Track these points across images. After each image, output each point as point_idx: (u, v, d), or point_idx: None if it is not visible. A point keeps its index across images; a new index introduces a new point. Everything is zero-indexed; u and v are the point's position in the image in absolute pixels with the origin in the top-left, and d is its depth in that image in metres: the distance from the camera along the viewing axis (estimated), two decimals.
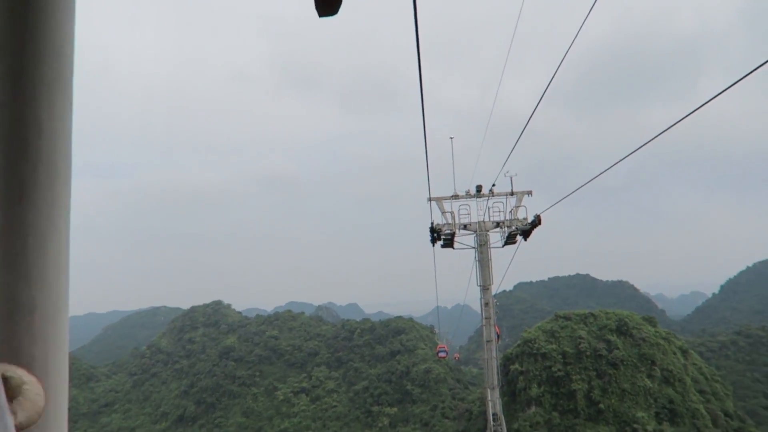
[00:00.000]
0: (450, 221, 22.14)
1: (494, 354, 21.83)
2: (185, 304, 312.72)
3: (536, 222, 21.13)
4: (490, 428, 22.21)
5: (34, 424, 1.26)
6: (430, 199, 22.25)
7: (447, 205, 22.61)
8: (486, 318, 21.79)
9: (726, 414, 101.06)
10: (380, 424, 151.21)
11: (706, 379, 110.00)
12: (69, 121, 1.42)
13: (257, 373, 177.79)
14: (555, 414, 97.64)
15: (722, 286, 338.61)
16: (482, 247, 21.96)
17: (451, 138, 23.53)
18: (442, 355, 55.61)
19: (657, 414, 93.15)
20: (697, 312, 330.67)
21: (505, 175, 22.55)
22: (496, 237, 23.07)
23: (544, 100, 11.30)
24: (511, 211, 22.43)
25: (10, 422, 1.15)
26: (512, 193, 22.68)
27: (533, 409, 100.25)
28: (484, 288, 21.93)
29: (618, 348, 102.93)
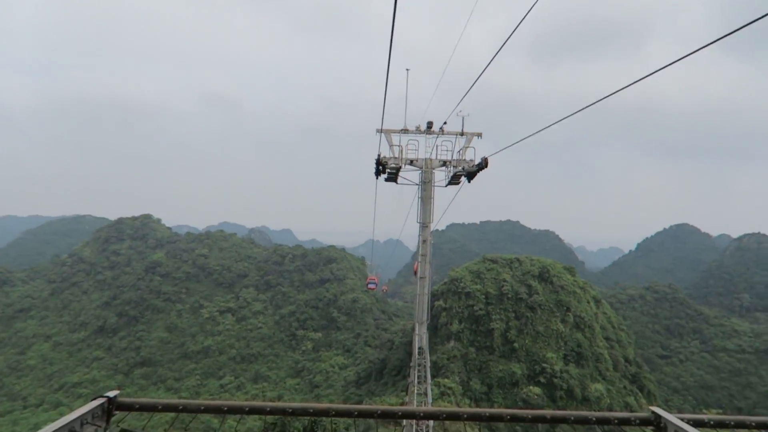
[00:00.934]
0: (397, 155, 21.37)
1: (426, 290, 21.81)
2: (112, 215, 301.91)
3: (483, 165, 20.71)
4: (414, 360, 22.50)
5: None
6: (380, 130, 21.34)
7: (396, 139, 21.77)
8: (422, 255, 21.58)
9: (626, 360, 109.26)
10: (304, 348, 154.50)
11: (613, 327, 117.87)
12: None
13: (183, 290, 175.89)
14: (472, 349, 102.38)
15: (638, 245, 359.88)
16: (426, 185, 21.43)
17: (407, 69, 22.42)
18: (371, 286, 56.15)
19: (565, 356, 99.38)
20: (613, 266, 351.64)
21: (457, 114, 21.82)
22: (440, 176, 22.58)
23: (501, 45, 10.53)
24: (459, 152, 21.87)
25: None
26: (462, 133, 22.05)
27: (452, 343, 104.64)
28: (424, 225, 21.59)
29: (538, 293, 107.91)
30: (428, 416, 4.11)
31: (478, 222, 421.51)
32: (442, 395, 78.95)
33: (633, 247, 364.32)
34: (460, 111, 20.99)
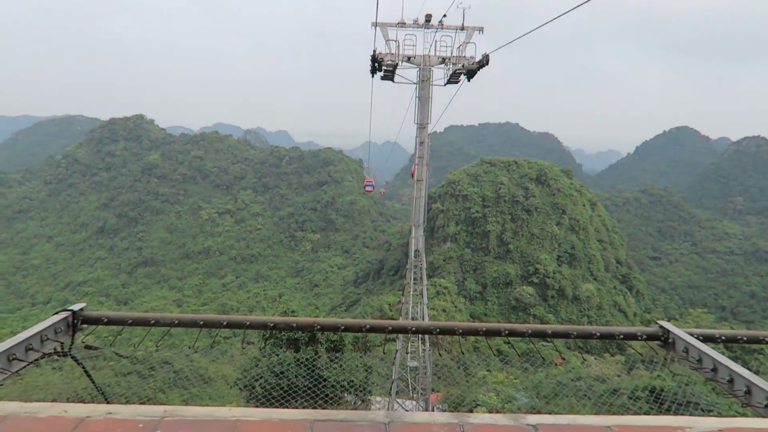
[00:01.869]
0: (393, 51, 20.16)
1: (423, 193, 21.48)
2: (104, 116, 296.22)
3: (484, 62, 19.61)
4: (410, 262, 22.63)
5: None
6: (375, 24, 19.99)
7: (392, 33, 20.43)
8: (419, 157, 21.02)
9: (618, 261, 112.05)
10: (302, 249, 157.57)
11: (607, 230, 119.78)
12: None
13: (181, 192, 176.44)
14: (468, 251, 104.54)
15: (637, 148, 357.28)
16: (424, 83, 20.42)
17: None
18: (368, 189, 55.89)
19: (559, 257, 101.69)
20: (610, 169, 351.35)
21: (457, 6, 20.37)
22: (439, 74, 21.50)
23: None
24: (459, 48, 20.65)
25: None
26: (463, 28, 20.71)
27: (448, 244, 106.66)
28: (421, 126, 20.84)
29: (534, 196, 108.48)
30: (420, 331, 3.75)
31: (476, 124, 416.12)
32: (438, 294, 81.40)
33: (632, 150, 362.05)
34: (460, 3, 19.60)
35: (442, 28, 20.50)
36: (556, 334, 3.89)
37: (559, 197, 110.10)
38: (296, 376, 19.13)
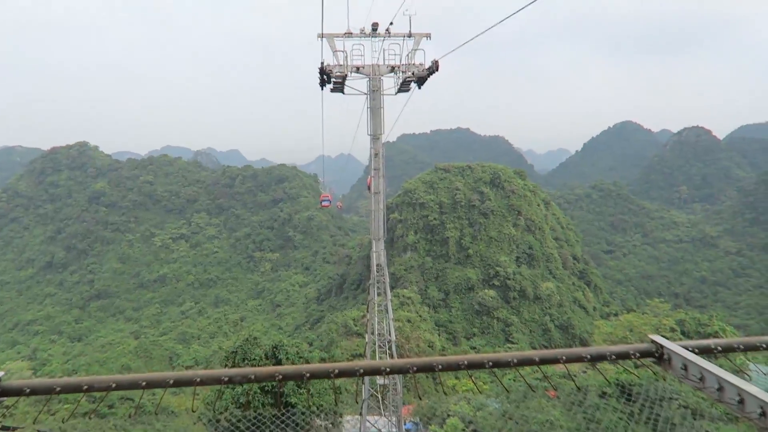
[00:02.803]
0: (341, 62, 19.71)
1: (381, 206, 21.02)
2: (45, 145, 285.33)
3: (434, 68, 19.40)
4: (373, 277, 22.11)
5: None
6: (321, 35, 19.52)
7: (339, 44, 19.97)
8: (375, 169, 20.57)
9: (574, 258, 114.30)
10: (262, 269, 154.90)
11: (562, 227, 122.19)
12: None
13: (132, 219, 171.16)
14: (428, 258, 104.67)
15: (584, 145, 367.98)
16: (375, 93, 20.03)
17: None
18: (325, 204, 55.04)
19: (518, 258, 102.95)
20: (560, 167, 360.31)
21: (404, 14, 20.14)
22: (389, 83, 21.18)
23: None
24: (407, 55, 20.38)
25: None
26: (410, 35, 20.45)
27: (409, 254, 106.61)
28: (375, 137, 20.41)
29: (490, 199, 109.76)
30: (396, 370, 3.27)
31: (428, 131, 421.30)
32: (402, 305, 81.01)
33: (580, 148, 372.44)
34: (406, 10, 19.34)
35: (389, 36, 20.20)
36: (544, 361, 3.46)
37: (513, 199, 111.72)
38: (263, 405, 18.36)
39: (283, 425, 17.30)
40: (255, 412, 18.32)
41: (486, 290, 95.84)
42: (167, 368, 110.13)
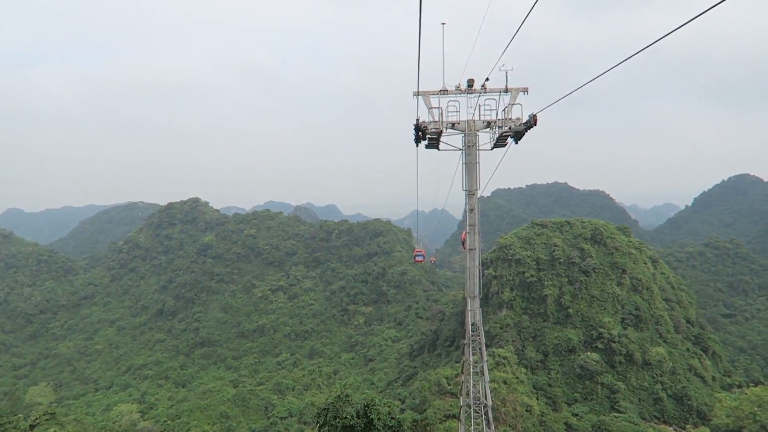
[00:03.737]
0: (437, 118, 19.88)
1: (477, 263, 20.50)
2: (162, 201, 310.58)
3: (531, 122, 19.06)
4: (468, 337, 21.38)
5: None
6: (416, 93, 19.83)
7: (434, 101, 20.23)
8: (470, 225, 20.24)
9: (688, 321, 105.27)
10: (356, 323, 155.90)
11: (672, 288, 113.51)
12: None
13: (235, 271, 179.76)
14: (525, 317, 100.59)
15: (695, 199, 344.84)
16: (470, 149, 19.95)
17: (443, 24, 20.75)
18: (419, 259, 54.92)
19: (623, 319, 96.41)
20: (668, 223, 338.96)
21: (500, 70, 20.10)
22: (484, 138, 21.03)
23: None
24: (504, 110, 20.21)
25: None
26: (506, 90, 20.32)
27: (504, 312, 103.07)
28: (470, 193, 20.18)
29: (591, 256, 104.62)
30: None
31: (524, 186, 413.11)
32: (498, 365, 77.89)
33: (689, 202, 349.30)
34: (503, 65, 19.29)
35: (485, 92, 20.20)
36: None
37: (617, 256, 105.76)
38: None
39: None
40: None
41: (588, 353, 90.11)
42: (263, 418, 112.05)
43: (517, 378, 78.04)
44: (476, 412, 21.05)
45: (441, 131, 19.70)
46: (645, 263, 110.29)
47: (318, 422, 20.20)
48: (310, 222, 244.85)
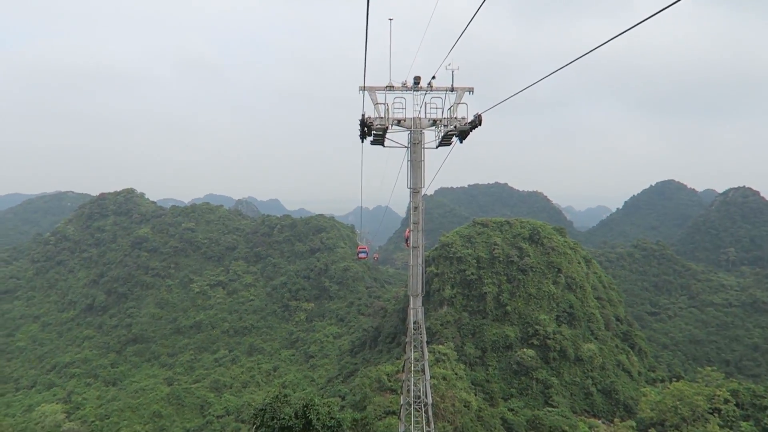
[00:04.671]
0: (383, 115, 19.61)
1: (420, 260, 20.39)
2: (94, 191, 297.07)
3: (476, 122, 19.07)
4: (410, 335, 21.27)
5: None
6: (363, 88, 19.51)
7: (381, 97, 19.94)
8: (414, 223, 20.10)
9: (617, 318, 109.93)
10: (297, 319, 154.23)
11: (604, 287, 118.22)
12: None
13: (172, 265, 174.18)
14: (465, 314, 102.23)
15: (625, 203, 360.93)
16: (416, 146, 19.81)
17: (390, 19, 20.50)
18: (362, 255, 54.59)
19: (558, 317, 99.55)
20: (601, 225, 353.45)
21: (446, 68, 20.02)
22: (430, 137, 20.94)
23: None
24: (449, 109, 20.17)
25: None
26: (452, 89, 20.29)
27: (445, 308, 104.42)
28: (414, 191, 20.03)
29: (529, 255, 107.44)
30: None
31: (466, 185, 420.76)
32: (438, 362, 78.71)
33: (620, 205, 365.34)
34: (449, 64, 19.22)
35: (431, 90, 20.09)
36: None
37: (553, 256, 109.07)
38: None
39: None
40: None
41: (525, 349, 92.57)
42: (198, 417, 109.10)
43: (456, 374, 79.08)
44: (416, 410, 20.98)
45: (387, 127, 19.45)
46: (579, 263, 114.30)
47: (255, 423, 19.59)
48: (252, 216, 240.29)
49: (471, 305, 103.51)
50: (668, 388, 78.37)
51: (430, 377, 21.94)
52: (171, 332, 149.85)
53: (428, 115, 20.20)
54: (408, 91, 20.42)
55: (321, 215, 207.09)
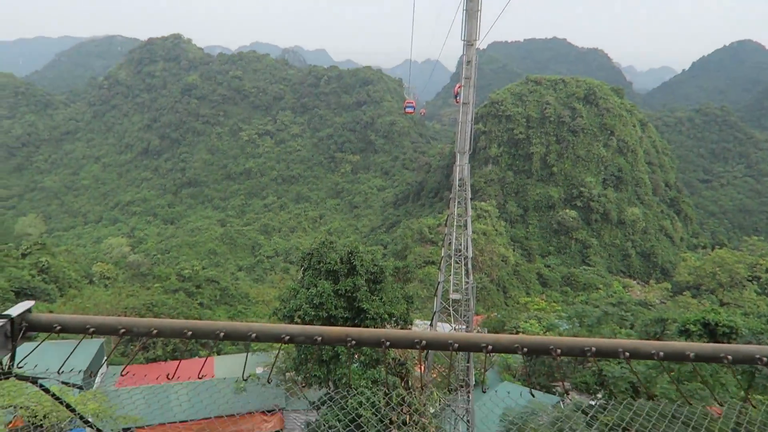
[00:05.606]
0: None
1: (470, 117, 19.88)
2: (142, 35, 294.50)
3: None
4: (455, 192, 21.46)
5: None
6: None
7: None
8: (466, 78, 19.26)
9: (666, 184, 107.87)
10: (342, 170, 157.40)
11: (657, 152, 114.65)
12: None
13: (221, 113, 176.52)
14: (509, 173, 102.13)
15: (693, 63, 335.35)
16: None
17: None
18: (409, 110, 53.79)
19: (605, 180, 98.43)
20: (663, 87, 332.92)
21: None
22: None
23: None
24: None
25: None
26: None
27: (490, 167, 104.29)
28: (469, 44, 18.92)
29: (582, 116, 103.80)
30: (465, 347, 2.37)
31: (522, 40, 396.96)
32: (479, 218, 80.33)
33: (687, 67, 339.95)
34: None
35: None
36: (700, 358, 2.36)
37: (607, 117, 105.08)
38: (335, 308, 18.79)
39: (354, 327, 17.70)
40: (327, 313, 18.83)
41: (567, 210, 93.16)
42: (249, 256, 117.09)
43: (496, 230, 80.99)
44: (456, 262, 21.79)
45: None
46: (634, 126, 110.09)
47: (302, 266, 20.83)
48: (299, 66, 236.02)
49: (516, 164, 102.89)
50: (709, 254, 78.56)
51: (472, 232, 22.43)
52: (222, 177, 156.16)
53: None
54: None
55: (368, 67, 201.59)
